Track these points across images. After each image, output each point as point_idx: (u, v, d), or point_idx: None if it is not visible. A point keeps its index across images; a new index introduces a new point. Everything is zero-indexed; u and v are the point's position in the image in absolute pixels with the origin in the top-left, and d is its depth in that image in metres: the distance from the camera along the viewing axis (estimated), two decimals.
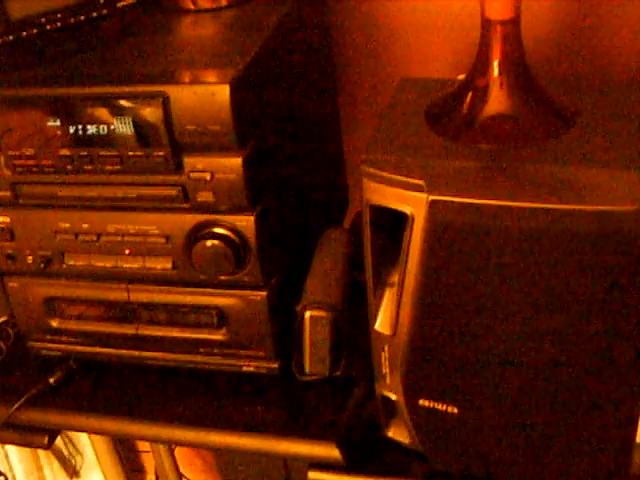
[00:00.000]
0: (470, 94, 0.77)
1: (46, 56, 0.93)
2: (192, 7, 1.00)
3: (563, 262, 0.68)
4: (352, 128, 1.22)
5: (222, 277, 0.90)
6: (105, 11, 0.92)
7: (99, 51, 0.93)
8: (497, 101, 0.75)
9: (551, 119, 0.77)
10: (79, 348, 1.03)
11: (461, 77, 0.81)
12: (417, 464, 0.88)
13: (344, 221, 1.21)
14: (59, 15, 0.92)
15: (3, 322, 1.12)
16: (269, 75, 0.90)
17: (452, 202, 0.69)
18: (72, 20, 0.92)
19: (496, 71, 0.75)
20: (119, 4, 0.94)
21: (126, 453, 1.36)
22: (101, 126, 0.84)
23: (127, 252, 0.92)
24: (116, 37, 0.96)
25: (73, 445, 1.33)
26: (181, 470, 1.33)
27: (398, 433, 0.89)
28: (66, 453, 1.33)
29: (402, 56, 1.16)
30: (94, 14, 0.93)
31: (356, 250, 0.97)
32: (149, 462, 1.38)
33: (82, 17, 0.93)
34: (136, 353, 1.00)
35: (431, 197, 0.69)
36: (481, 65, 0.76)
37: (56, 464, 1.32)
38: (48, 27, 0.91)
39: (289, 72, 0.97)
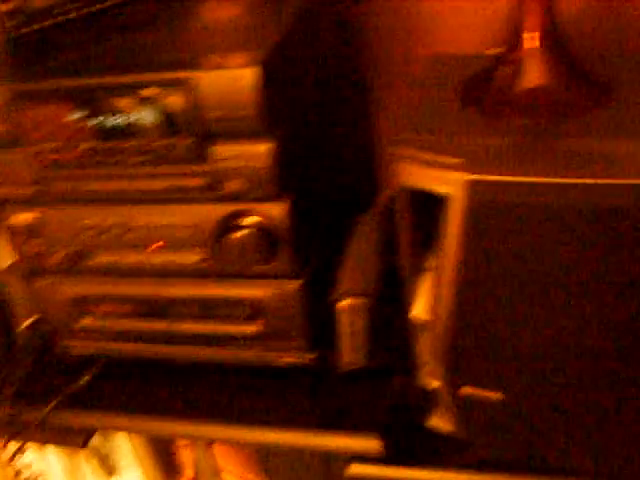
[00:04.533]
0: (506, 66, 0.74)
1: (66, 46, 0.91)
2: None
3: (608, 239, 0.65)
4: (381, 109, 1.19)
5: (255, 268, 0.87)
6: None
7: (120, 39, 0.91)
8: (532, 74, 0.72)
9: (588, 91, 0.74)
10: (111, 346, 1.01)
11: (490, 51, 0.78)
12: (460, 452, 0.86)
13: (376, 205, 1.18)
14: (79, 4, 0.90)
15: (34, 322, 1.10)
16: (297, 57, 0.87)
17: (491, 181, 0.66)
18: (92, 9, 0.90)
19: (531, 43, 0.72)
20: None
21: (164, 446, 1.34)
22: (125, 116, 0.81)
23: (156, 246, 0.89)
24: (138, 24, 0.93)
25: (110, 442, 1.32)
26: (220, 463, 1.32)
27: (440, 421, 0.87)
28: (104, 451, 1.31)
29: (431, 32, 1.12)
30: (115, 1, 0.90)
31: (390, 235, 0.94)
32: (187, 456, 1.36)
33: (102, 5, 0.90)
34: (169, 349, 0.98)
35: (470, 176, 0.66)
36: (515, 38, 0.73)
37: (94, 462, 1.31)
38: (69, 16, 0.89)
39: (317, 53, 0.94)
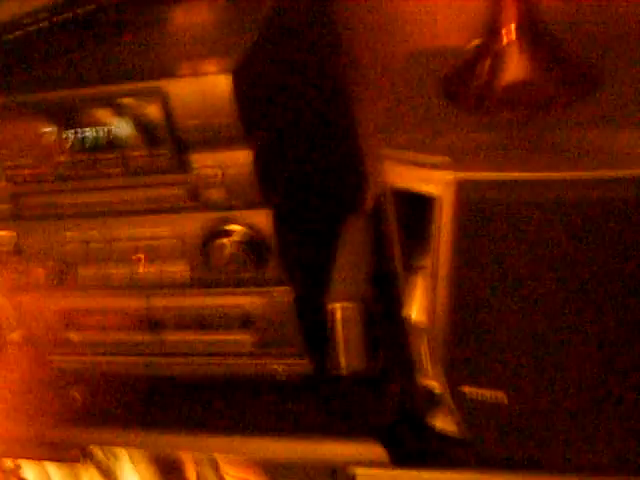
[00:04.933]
0: (486, 60, 0.72)
1: (35, 59, 0.87)
2: None
3: (603, 233, 0.62)
4: (363, 107, 1.16)
5: (243, 276, 0.85)
6: (93, 6, 0.86)
7: (92, 48, 0.88)
8: (515, 65, 0.70)
9: (572, 81, 0.71)
10: (102, 360, 0.98)
11: (470, 44, 0.76)
12: (464, 451, 0.85)
13: (364, 205, 1.16)
14: (45, 14, 0.86)
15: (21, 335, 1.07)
16: (272, 60, 0.84)
17: (481, 179, 0.64)
18: (58, 19, 0.87)
19: (512, 33, 0.69)
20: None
21: (164, 455, 1.32)
22: (99, 128, 0.78)
23: (142, 258, 0.86)
24: (107, 33, 0.90)
25: (111, 453, 1.30)
26: (223, 469, 1.30)
27: (443, 422, 0.85)
28: (104, 462, 1.29)
29: (410, 26, 1.09)
30: (81, 10, 0.87)
31: (380, 235, 0.92)
32: (189, 463, 1.34)
33: (69, 15, 0.87)
34: (162, 361, 0.96)
35: (457, 175, 0.64)
36: (495, 28, 0.70)
37: (95, 474, 1.29)
38: (35, 27, 0.86)
39: (293, 55, 0.92)
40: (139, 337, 0.94)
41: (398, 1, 1.08)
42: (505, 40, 0.70)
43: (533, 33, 0.70)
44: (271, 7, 0.87)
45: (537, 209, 0.63)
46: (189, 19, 0.94)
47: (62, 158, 0.81)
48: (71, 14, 0.88)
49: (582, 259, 0.64)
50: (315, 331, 0.89)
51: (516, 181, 0.62)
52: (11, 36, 0.85)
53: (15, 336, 1.06)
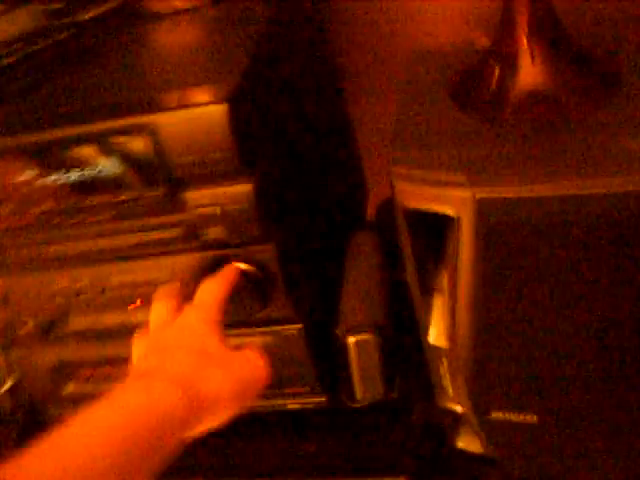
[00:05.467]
0: (498, 66, 0.68)
1: (10, 94, 0.82)
2: (168, 10, 0.88)
3: (629, 250, 0.60)
4: (362, 113, 1.11)
5: (249, 316, 0.79)
6: (69, 31, 0.80)
7: (68, 80, 0.82)
8: (530, 72, 0.66)
9: (592, 87, 0.68)
10: None
11: (478, 42, 0.74)
12: (492, 470, 0.82)
13: (366, 214, 1.11)
14: (18, 45, 0.81)
15: (13, 386, 1.02)
16: (268, 83, 0.79)
17: (500, 197, 0.60)
18: (33, 48, 0.81)
19: (525, 37, 0.66)
20: (81, 17, 0.82)
21: None
22: (85, 170, 0.72)
23: (136, 305, 0.81)
24: (86, 59, 0.84)
25: None
26: None
27: (469, 443, 0.82)
28: None
29: (407, 25, 1.04)
30: (57, 36, 0.81)
31: (388, 249, 0.88)
32: None
33: (44, 42, 0.81)
34: None
35: (477, 194, 0.61)
36: (507, 31, 0.66)
37: None
38: (10, 59, 0.80)
39: (289, 74, 0.87)
40: None
41: (393, 7, 1.03)
42: (519, 45, 0.66)
43: (549, 37, 0.66)
44: (263, 21, 0.82)
45: (559, 226, 0.60)
46: (174, 38, 0.88)
47: (46, 205, 0.75)
48: (48, 41, 0.82)
49: (607, 277, 0.61)
50: (327, 362, 0.86)
51: (536, 198, 0.59)
52: None
53: (6, 384, 1.01)
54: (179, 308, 0.72)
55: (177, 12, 0.89)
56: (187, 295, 0.77)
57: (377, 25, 1.04)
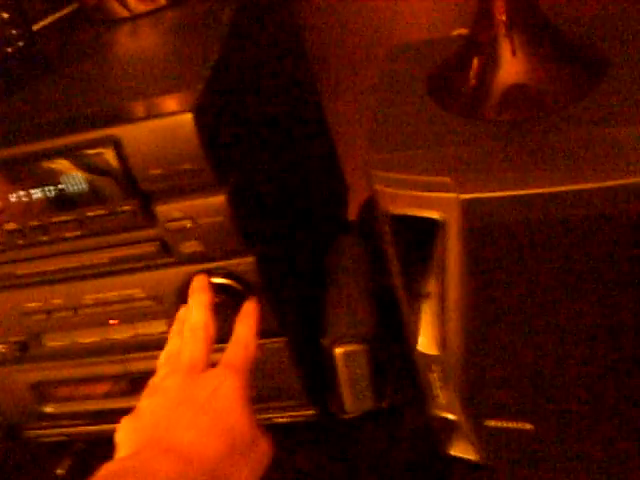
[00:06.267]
0: (476, 58, 0.65)
1: None
2: (126, 14, 0.84)
3: (618, 247, 0.57)
4: (339, 112, 1.08)
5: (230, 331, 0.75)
6: (21, 43, 0.75)
7: (28, 91, 0.78)
8: (510, 63, 0.63)
9: (577, 75, 0.64)
10: (82, 430, 0.91)
11: (457, 33, 0.72)
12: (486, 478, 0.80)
13: (347, 217, 1.08)
14: None
15: None
16: (236, 88, 0.75)
17: (485, 198, 0.57)
18: None
19: (503, 24, 0.62)
20: (35, 26, 0.78)
21: None
22: (48, 188, 0.68)
23: (113, 322, 0.78)
24: (44, 69, 0.80)
25: None
26: None
27: (462, 451, 0.81)
28: None
29: (385, 21, 1.00)
30: (8, 49, 0.77)
31: (373, 252, 0.85)
32: None
33: None
34: None
35: (462, 197, 0.58)
36: (484, 18, 0.63)
37: None
38: None
39: (258, 76, 0.83)
40: (121, 402, 0.87)
41: (369, 3, 0.99)
42: (497, 33, 0.62)
43: (529, 24, 0.62)
44: (228, 23, 0.78)
45: (547, 225, 0.57)
46: (135, 41, 0.84)
47: (11, 226, 0.71)
48: (2, 52, 0.77)
49: (598, 275, 0.59)
50: (314, 374, 0.83)
51: (523, 197, 0.57)
52: None
53: None
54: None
55: (136, 16, 0.85)
56: (163, 312, 0.74)
57: (353, 22, 1.01)
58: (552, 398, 0.69)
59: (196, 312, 0.68)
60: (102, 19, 0.87)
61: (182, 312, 0.71)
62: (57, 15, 0.82)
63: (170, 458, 0.56)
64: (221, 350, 0.68)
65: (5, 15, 0.73)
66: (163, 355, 0.69)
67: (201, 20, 0.81)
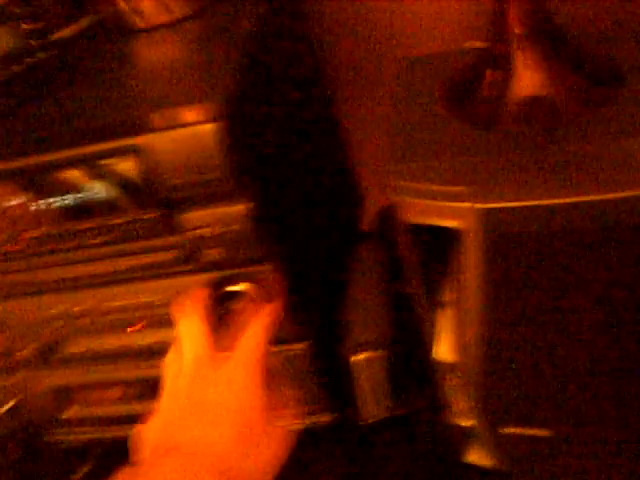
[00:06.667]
0: (493, 70, 0.66)
1: None
2: (142, 25, 0.85)
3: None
4: (358, 125, 1.08)
5: None
6: (42, 54, 0.77)
7: (51, 101, 0.79)
8: (528, 76, 0.64)
9: (592, 87, 0.65)
10: (104, 434, 0.91)
11: (469, 45, 0.72)
12: None
13: (363, 225, 1.08)
14: None
15: (13, 407, 0.99)
16: (259, 97, 0.76)
17: (504, 208, 0.58)
18: (13, 70, 0.78)
19: (518, 37, 0.63)
20: (52, 37, 0.79)
21: None
22: (74, 195, 0.70)
23: (134, 328, 0.79)
24: (69, 79, 0.81)
25: None
26: None
27: (478, 457, 0.81)
28: None
29: (395, 33, 1.01)
30: (38, 56, 0.78)
31: (390, 259, 0.85)
32: None
33: (24, 64, 0.78)
34: None
35: (481, 206, 0.59)
36: (498, 31, 0.64)
37: None
38: None
39: (279, 87, 0.84)
40: (140, 407, 0.87)
41: (382, 15, 1.00)
42: (511, 46, 0.63)
43: (543, 36, 0.63)
44: (250, 33, 0.79)
45: (566, 235, 0.58)
46: (158, 55, 0.85)
47: (37, 232, 0.73)
48: (29, 62, 0.79)
49: (618, 285, 0.60)
50: (333, 380, 0.84)
51: (538, 208, 0.58)
52: None
53: (6, 405, 0.98)
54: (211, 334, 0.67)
55: (159, 26, 0.87)
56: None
57: (368, 32, 1.01)
58: (569, 405, 0.69)
59: (187, 318, 0.68)
60: (127, 30, 0.89)
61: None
62: (76, 26, 0.82)
63: (174, 456, 0.57)
64: None
65: (25, 27, 0.74)
66: (167, 359, 0.69)
67: (223, 31, 0.83)
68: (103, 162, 0.68)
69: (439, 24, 0.98)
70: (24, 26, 0.76)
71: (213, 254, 0.72)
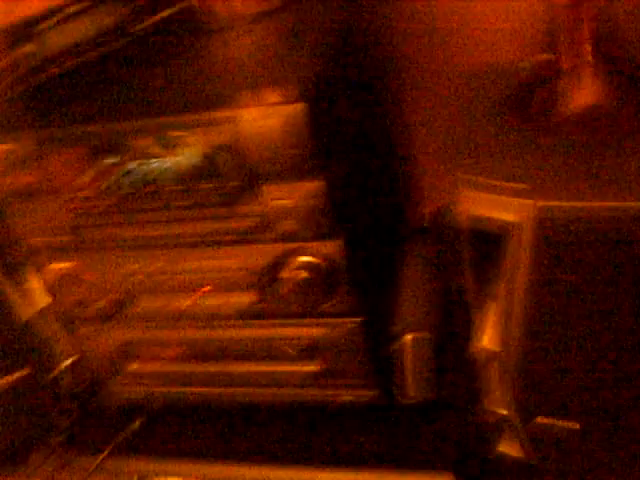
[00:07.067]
0: (556, 80, 0.70)
1: (87, 90, 0.86)
2: (237, 16, 0.91)
3: None
4: (421, 128, 1.13)
5: (312, 307, 0.82)
6: (148, 31, 0.83)
7: (146, 78, 0.86)
8: (590, 86, 0.68)
9: None
10: (161, 390, 0.97)
11: (532, 60, 0.74)
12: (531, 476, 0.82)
13: (420, 220, 1.13)
14: (92, 45, 0.85)
15: (73, 362, 1.05)
16: (342, 85, 0.82)
17: (560, 207, 0.61)
18: (107, 48, 0.85)
19: (586, 53, 0.67)
20: (137, 28, 0.86)
21: None
22: (165, 160, 0.76)
23: (205, 289, 0.84)
24: (158, 60, 0.88)
25: None
26: None
27: (509, 446, 0.82)
28: None
29: (463, 45, 1.05)
30: (133, 37, 0.85)
31: (441, 254, 0.90)
32: None
33: (117, 43, 0.85)
34: (223, 392, 0.94)
35: (539, 203, 0.62)
36: (569, 45, 0.68)
37: None
38: (85, 58, 0.84)
39: (358, 77, 0.89)
40: (201, 367, 0.92)
41: (453, 21, 1.04)
42: (582, 60, 0.67)
43: (611, 53, 0.67)
44: (334, 28, 0.85)
45: (619, 237, 0.60)
46: (249, 42, 0.91)
47: (124, 190, 0.79)
48: (115, 44, 0.86)
49: None
50: (382, 359, 0.87)
51: (594, 209, 0.60)
52: (59, 68, 0.83)
53: (67, 360, 1.04)
54: None
55: (247, 18, 0.92)
56: (254, 282, 0.80)
57: (437, 42, 1.05)
58: (603, 400, 0.71)
59: None
60: (216, 23, 0.94)
61: None
62: (169, 11, 0.88)
63: None
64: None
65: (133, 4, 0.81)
66: None
67: (308, 24, 0.89)
68: (201, 129, 0.73)
69: (502, 39, 1.02)
70: (130, 4, 0.83)
71: (288, 225, 0.77)
